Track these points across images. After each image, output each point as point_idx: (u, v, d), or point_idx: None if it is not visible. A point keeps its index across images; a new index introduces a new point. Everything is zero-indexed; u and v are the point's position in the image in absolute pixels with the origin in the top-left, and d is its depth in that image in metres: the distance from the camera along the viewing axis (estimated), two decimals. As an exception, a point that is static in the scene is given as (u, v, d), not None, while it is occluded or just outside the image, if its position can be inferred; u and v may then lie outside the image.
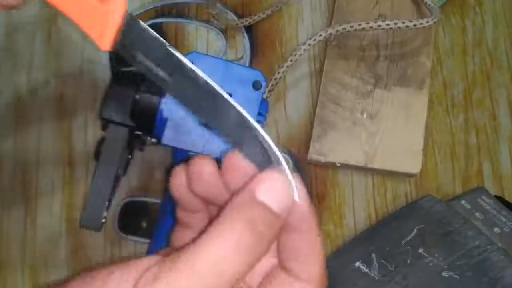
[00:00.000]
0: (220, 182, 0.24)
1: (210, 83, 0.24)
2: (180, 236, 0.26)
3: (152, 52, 0.24)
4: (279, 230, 0.22)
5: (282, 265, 0.23)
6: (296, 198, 0.22)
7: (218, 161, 0.24)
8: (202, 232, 0.21)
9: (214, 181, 0.24)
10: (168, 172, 0.45)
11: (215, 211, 0.25)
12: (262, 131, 0.23)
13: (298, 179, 0.23)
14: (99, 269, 0.21)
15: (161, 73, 0.24)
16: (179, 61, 0.24)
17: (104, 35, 0.23)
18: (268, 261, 0.24)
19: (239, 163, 0.23)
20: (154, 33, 0.24)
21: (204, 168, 0.24)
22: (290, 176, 0.23)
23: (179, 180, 0.25)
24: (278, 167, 0.23)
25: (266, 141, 0.23)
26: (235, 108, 0.23)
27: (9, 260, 0.45)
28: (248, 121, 0.23)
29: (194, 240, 0.21)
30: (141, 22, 0.24)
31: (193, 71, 0.24)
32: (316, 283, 0.23)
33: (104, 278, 0.20)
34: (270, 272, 0.24)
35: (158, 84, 0.24)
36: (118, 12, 0.23)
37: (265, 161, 0.23)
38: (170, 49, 0.24)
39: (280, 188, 0.22)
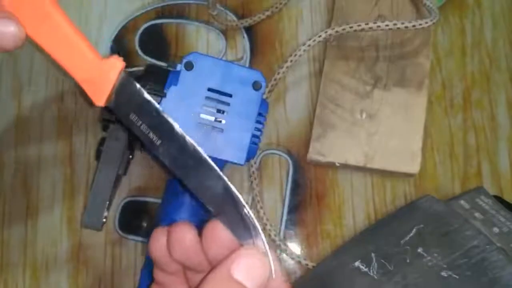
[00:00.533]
0: (199, 250, 0.24)
1: (198, 150, 0.24)
2: None
3: (144, 113, 0.24)
4: None
5: None
6: (273, 274, 0.23)
7: (199, 228, 0.25)
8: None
9: (193, 249, 0.24)
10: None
11: (192, 274, 0.26)
12: (244, 202, 0.24)
13: (273, 254, 0.23)
14: None
15: (152, 136, 0.24)
16: (171, 126, 0.24)
17: (100, 92, 0.24)
18: None
19: (219, 234, 0.24)
20: (148, 96, 0.25)
21: (185, 235, 0.24)
22: (267, 251, 0.23)
23: (159, 242, 0.25)
24: (257, 240, 0.23)
25: (247, 213, 0.24)
26: (220, 177, 0.24)
27: (10, 260, 0.45)
28: (232, 191, 0.24)
29: None
30: (136, 83, 0.24)
31: (183, 137, 0.24)
32: None
33: None
34: None
35: (147, 145, 0.25)
36: (114, 70, 0.24)
37: (244, 233, 0.23)
38: (162, 114, 0.24)
39: (256, 266, 0.22)
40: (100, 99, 0.24)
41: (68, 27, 0.24)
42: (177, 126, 0.24)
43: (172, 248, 0.25)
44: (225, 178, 0.24)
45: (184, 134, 0.24)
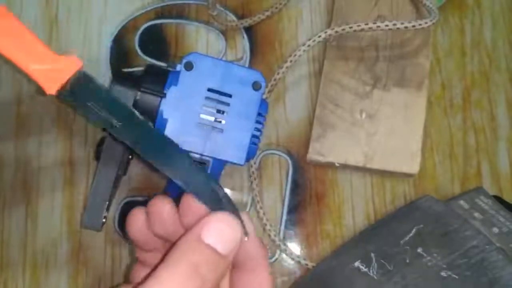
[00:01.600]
0: (177, 222, 0.25)
1: (160, 131, 0.25)
2: (138, 274, 0.27)
3: (103, 102, 0.26)
4: (225, 271, 0.23)
5: None
6: (248, 238, 0.23)
7: (177, 201, 0.25)
8: (147, 275, 0.22)
9: (171, 221, 0.25)
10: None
11: None
12: (207, 174, 0.25)
13: (247, 218, 0.24)
14: None
15: (112, 120, 0.25)
16: (131, 111, 0.26)
17: (53, 82, 0.25)
18: None
19: (194, 204, 0.24)
20: (114, 96, 0.26)
21: (163, 208, 0.25)
22: (239, 216, 0.23)
23: (137, 221, 0.25)
24: (228, 207, 0.23)
25: (214, 182, 0.24)
26: (184, 152, 0.25)
27: (10, 260, 0.45)
28: (195, 165, 0.25)
29: (145, 278, 0.21)
30: (98, 83, 0.26)
31: (145, 121, 0.25)
32: None
33: None
34: None
35: (108, 129, 0.26)
36: (72, 66, 0.25)
37: (215, 201, 0.24)
38: (121, 101, 0.26)
39: (226, 230, 0.23)
40: (51, 88, 0.25)
41: (18, 24, 0.25)
42: (137, 113, 0.26)
43: (152, 222, 0.25)
44: (189, 154, 0.25)
45: (145, 119, 0.25)
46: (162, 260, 0.22)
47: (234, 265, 0.25)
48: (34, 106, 0.48)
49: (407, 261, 0.39)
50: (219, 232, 0.23)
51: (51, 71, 0.25)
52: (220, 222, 0.23)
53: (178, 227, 0.25)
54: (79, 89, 0.25)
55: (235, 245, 0.23)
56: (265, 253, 0.25)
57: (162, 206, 0.25)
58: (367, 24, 0.44)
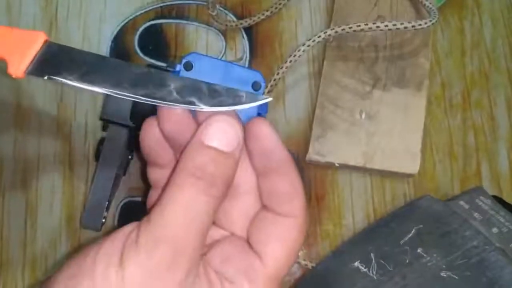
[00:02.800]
0: (190, 121, 0.25)
1: (144, 66, 0.25)
2: (154, 198, 0.28)
3: (78, 63, 0.24)
4: (234, 168, 0.24)
5: (266, 207, 0.25)
6: (274, 143, 0.24)
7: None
8: (164, 186, 0.23)
9: (185, 119, 0.25)
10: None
11: None
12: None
13: (265, 122, 0.25)
14: (90, 246, 0.23)
15: (92, 78, 0.24)
16: (114, 61, 0.24)
17: (18, 63, 0.24)
18: (252, 206, 0.25)
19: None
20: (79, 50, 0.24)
21: (175, 109, 0.25)
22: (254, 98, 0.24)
23: (150, 130, 0.26)
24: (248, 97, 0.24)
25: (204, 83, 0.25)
26: (175, 76, 0.25)
27: (9, 260, 0.45)
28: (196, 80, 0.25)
29: (158, 198, 0.23)
30: (63, 46, 0.24)
31: (127, 64, 0.24)
32: (301, 219, 0.24)
33: (94, 254, 0.22)
34: (257, 215, 0.25)
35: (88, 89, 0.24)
36: (35, 44, 0.24)
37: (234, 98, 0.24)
38: (100, 55, 0.24)
39: (226, 129, 0.24)
40: (18, 71, 0.24)
41: None
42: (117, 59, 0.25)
43: (164, 123, 0.25)
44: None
45: (128, 63, 0.25)
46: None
47: (260, 173, 0.25)
48: (33, 105, 0.48)
49: (407, 261, 0.39)
50: (219, 131, 0.23)
51: (14, 51, 0.24)
52: (218, 122, 0.24)
53: (192, 125, 0.25)
54: (48, 61, 0.24)
55: (238, 141, 0.24)
56: (289, 156, 0.25)
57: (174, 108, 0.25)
58: (366, 24, 0.44)
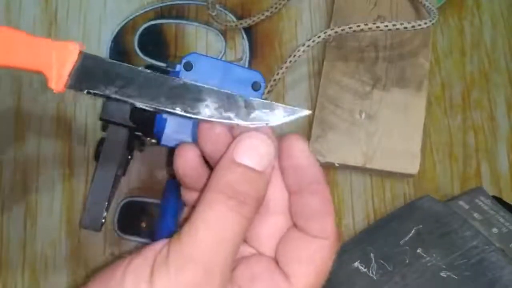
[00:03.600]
0: (230, 137, 0.25)
1: (178, 80, 0.24)
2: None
3: (114, 78, 0.24)
4: (265, 187, 0.23)
5: (297, 226, 0.24)
6: (308, 161, 0.23)
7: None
8: (197, 200, 0.23)
9: (223, 137, 0.24)
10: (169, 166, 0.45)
11: None
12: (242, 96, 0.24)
13: (299, 138, 0.24)
14: (118, 262, 0.22)
15: (130, 91, 0.24)
16: (146, 73, 0.24)
17: (58, 78, 0.24)
18: (282, 225, 0.25)
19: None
20: (111, 61, 0.24)
21: (213, 126, 0.24)
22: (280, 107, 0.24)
23: (185, 155, 0.25)
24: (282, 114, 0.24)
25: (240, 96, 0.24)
26: (212, 89, 0.24)
27: (9, 260, 0.45)
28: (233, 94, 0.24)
29: (190, 215, 0.22)
30: (97, 57, 0.24)
31: (162, 77, 0.24)
32: (332, 239, 0.24)
33: (123, 269, 0.22)
34: (287, 234, 0.24)
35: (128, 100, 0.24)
36: (71, 56, 0.24)
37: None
38: (134, 67, 0.24)
39: (257, 146, 0.23)
40: (58, 86, 0.24)
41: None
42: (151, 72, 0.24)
43: (205, 142, 0.25)
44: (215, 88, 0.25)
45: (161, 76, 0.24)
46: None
47: (292, 191, 0.24)
48: (33, 105, 0.48)
49: (407, 261, 0.39)
50: (250, 149, 0.23)
51: (51, 64, 0.23)
52: (250, 139, 0.23)
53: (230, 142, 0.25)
54: (84, 74, 0.24)
55: (269, 159, 0.23)
56: (322, 174, 0.24)
57: (212, 125, 0.24)
58: (366, 24, 0.44)
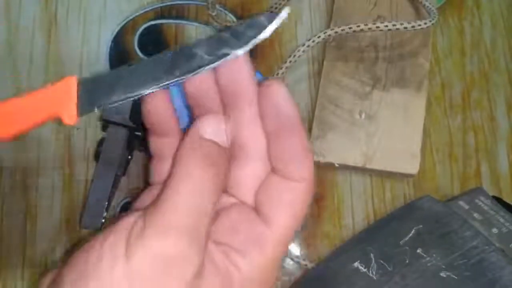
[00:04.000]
0: (212, 79, 0.25)
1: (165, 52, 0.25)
2: (158, 171, 0.28)
3: (118, 87, 0.25)
4: (228, 157, 0.25)
5: (276, 171, 0.25)
6: (286, 99, 0.25)
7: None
8: (170, 174, 0.23)
9: (205, 84, 0.25)
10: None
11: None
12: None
13: (281, 86, 0.25)
14: (92, 241, 0.22)
15: (133, 86, 0.25)
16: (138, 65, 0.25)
17: (68, 112, 0.25)
18: (261, 171, 0.26)
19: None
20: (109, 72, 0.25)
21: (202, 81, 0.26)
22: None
23: (156, 97, 0.26)
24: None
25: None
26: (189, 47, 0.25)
27: (9, 261, 0.45)
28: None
29: (165, 184, 0.23)
30: (92, 76, 0.25)
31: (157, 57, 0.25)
32: (308, 181, 0.25)
33: (99, 247, 0.22)
34: (266, 180, 0.25)
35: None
36: (72, 88, 0.25)
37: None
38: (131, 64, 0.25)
39: (220, 124, 0.25)
40: (72, 118, 0.25)
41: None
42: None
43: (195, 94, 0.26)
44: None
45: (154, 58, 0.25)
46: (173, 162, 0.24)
47: (271, 135, 0.25)
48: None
49: (407, 261, 0.39)
50: (214, 126, 0.25)
51: (59, 104, 0.25)
52: (215, 118, 0.25)
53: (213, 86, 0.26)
54: (92, 99, 0.25)
55: (229, 137, 0.25)
56: (299, 117, 0.25)
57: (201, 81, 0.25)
58: (366, 24, 0.44)
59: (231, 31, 0.24)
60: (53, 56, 0.49)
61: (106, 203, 0.41)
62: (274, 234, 0.24)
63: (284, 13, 0.25)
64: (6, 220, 0.45)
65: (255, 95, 0.25)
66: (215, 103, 0.26)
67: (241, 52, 0.24)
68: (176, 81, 0.24)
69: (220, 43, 0.24)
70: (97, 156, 0.43)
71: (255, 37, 0.24)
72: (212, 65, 0.24)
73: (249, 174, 0.26)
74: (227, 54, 0.24)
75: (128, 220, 0.22)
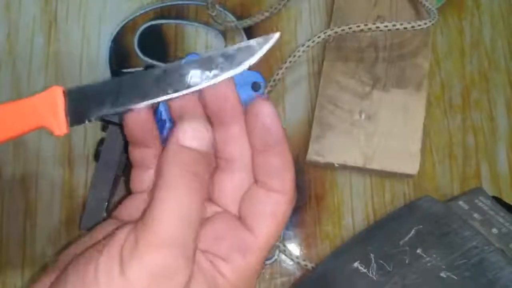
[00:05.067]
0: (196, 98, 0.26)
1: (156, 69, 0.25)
2: (139, 180, 0.28)
3: (106, 96, 0.25)
4: (211, 163, 0.26)
5: (259, 183, 0.26)
6: (274, 121, 0.25)
7: None
8: (154, 185, 0.24)
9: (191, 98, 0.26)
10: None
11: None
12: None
13: (267, 101, 0.25)
14: (89, 254, 0.23)
15: (122, 99, 0.25)
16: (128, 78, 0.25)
17: (58, 123, 0.25)
18: (245, 181, 0.27)
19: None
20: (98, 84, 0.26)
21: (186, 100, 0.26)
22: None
23: (137, 113, 0.26)
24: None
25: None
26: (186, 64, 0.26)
27: (9, 260, 0.45)
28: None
29: (151, 196, 0.23)
30: (79, 87, 0.26)
31: (144, 72, 0.25)
32: (291, 194, 0.26)
33: (95, 263, 0.22)
34: (249, 191, 0.27)
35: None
36: (58, 99, 0.25)
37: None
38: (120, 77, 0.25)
39: (199, 128, 0.25)
40: (61, 128, 0.25)
41: None
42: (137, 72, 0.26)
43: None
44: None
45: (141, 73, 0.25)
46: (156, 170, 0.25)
47: (256, 149, 0.26)
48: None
49: (407, 261, 0.39)
50: (193, 133, 0.25)
51: (46, 115, 0.25)
52: (192, 122, 0.25)
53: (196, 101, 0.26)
54: (80, 110, 0.25)
55: (209, 141, 0.25)
56: (284, 135, 0.26)
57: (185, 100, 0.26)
58: (366, 25, 0.44)
59: (222, 54, 0.26)
60: (53, 56, 0.49)
61: (106, 203, 0.41)
62: (258, 242, 0.25)
63: (274, 39, 0.27)
64: (6, 220, 0.45)
65: (242, 114, 0.26)
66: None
67: (230, 75, 0.25)
68: (166, 99, 0.25)
69: (211, 64, 0.25)
70: (97, 156, 0.43)
71: (245, 61, 0.26)
72: (202, 86, 0.25)
73: (234, 185, 0.27)
74: (217, 76, 0.25)
75: (119, 237, 0.23)
